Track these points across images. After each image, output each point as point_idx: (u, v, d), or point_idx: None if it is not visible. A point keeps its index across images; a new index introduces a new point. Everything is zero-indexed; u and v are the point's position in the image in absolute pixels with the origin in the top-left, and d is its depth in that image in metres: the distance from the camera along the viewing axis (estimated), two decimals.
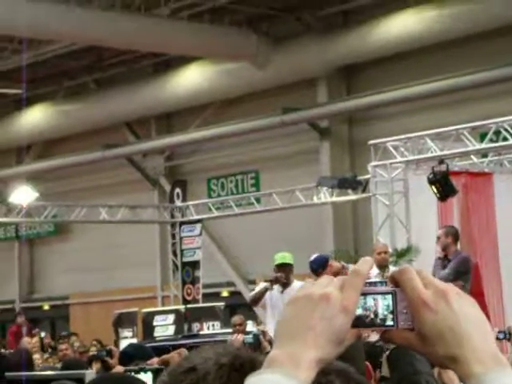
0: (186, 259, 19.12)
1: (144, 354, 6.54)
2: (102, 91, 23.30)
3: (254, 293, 10.65)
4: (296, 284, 9.91)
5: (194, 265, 18.86)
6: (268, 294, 9.89)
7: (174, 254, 19.81)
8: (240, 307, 20.81)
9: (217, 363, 1.43)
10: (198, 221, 18.95)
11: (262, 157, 21.76)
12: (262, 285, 10.33)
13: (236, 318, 13.33)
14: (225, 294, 22.82)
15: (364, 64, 19.45)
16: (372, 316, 1.32)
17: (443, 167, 12.25)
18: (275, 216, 19.50)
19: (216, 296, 21.40)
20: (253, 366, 1.41)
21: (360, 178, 15.62)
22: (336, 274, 9.18)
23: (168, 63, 22.53)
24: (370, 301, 1.32)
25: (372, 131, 19.12)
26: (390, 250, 11.91)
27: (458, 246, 12.86)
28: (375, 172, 13.12)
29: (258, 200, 19.48)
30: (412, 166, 13.07)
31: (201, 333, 15.37)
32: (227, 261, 22.56)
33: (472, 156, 13.27)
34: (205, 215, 19.65)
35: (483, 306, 11.48)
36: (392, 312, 1.33)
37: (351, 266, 9.56)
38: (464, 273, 10.35)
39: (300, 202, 17.45)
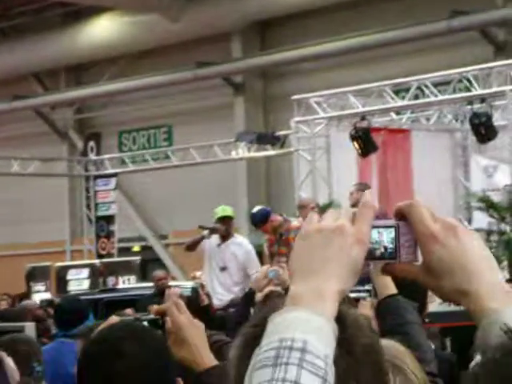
0: (100, 213, 18.90)
1: (80, 307, 6.46)
2: (9, 41, 22.64)
3: (190, 239, 10.61)
4: (236, 238, 9.90)
5: (109, 219, 18.66)
6: (207, 245, 9.83)
7: (88, 207, 19.55)
8: (152, 262, 20.76)
9: None
10: (113, 175, 18.72)
11: (174, 111, 21.58)
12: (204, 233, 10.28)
13: (159, 272, 13.28)
14: (136, 248, 22.70)
15: (279, 19, 19.42)
16: (382, 249, 1.33)
17: (365, 123, 12.39)
18: (188, 171, 19.43)
19: (127, 251, 21.26)
20: None
21: (278, 133, 15.67)
22: (276, 228, 9.21)
23: (78, 13, 22.03)
24: (374, 234, 1.32)
25: (286, 87, 19.16)
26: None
27: (375, 202, 13.08)
28: (297, 128, 13.16)
29: (170, 154, 19.34)
30: (334, 122, 13.17)
31: (118, 287, 15.26)
32: (139, 215, 22.41)
33: (391, 113, 13.45)
34: (120, 169, 19.41)
35: None
36: (395, 245, 1.33)
37: (294, 220, 9.62)
38: None
39: (217, 157, 17.40)
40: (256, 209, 9.93)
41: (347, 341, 1.29)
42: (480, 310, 1.30)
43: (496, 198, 11.82)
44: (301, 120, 13.12)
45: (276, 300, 5.33)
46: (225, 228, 9.69)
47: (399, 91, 13.48)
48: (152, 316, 2.52)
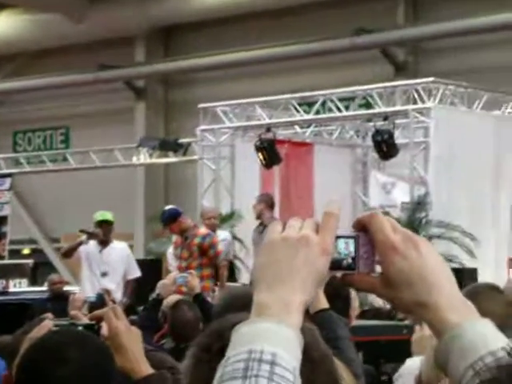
0: None
1: None
2: None
3: (67, 245, 10.44)
4: (115, 243, 9.77)
5: (1, 220, 18.18)
6: (84, 250, 9.67)
7: None
8: (43, 265, 20.34)
9: None
10: (8, 175, 18.27)
11: (73, 113, 21.25)
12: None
13: (54, 276, 13.01)
14: (26, 251, 22.21)
15: (184, 26, 19.38)
16: (350, 260, 1.33)
17: (270, 135, 12.44)
18: (85, 174, 19.14)
19: (17, 253, 20.77)
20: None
21: (182, 140, 15.59)
22: (184, 229, 9.12)
23: None
24: (341, 244, 1.33)
25: (190, 94, 19.13)
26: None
27: (276, 214, 13.17)
28: (202, 136, 13.12)
29: (68, 157, 19.01)
30: (239, 132, 13.18)
31: (9, 290, 14.87)
32: (31, 218, 21.96)
33: (295, 126, 13.56)
34: (15, 169, 18.97)
35: None
36: (354, 256, 1.34)
37: (202, 227, 9.54)
38: None
39: (118, 162, 17.19)
40: (168, 207, 9.80)
41: (304, 349, 1.27)
42: (440, 322, 1.29)
43: (394, 214, 12.05)
44: (206, 128, 13.09)
45: (184, 307, 5.26)
46: (103, 233, 9.54)
47: (304, 104, 13.60)
48: (87, 321, 2.44)
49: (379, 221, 1.32)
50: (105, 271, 9.46)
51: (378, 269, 1.35)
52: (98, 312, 2.49)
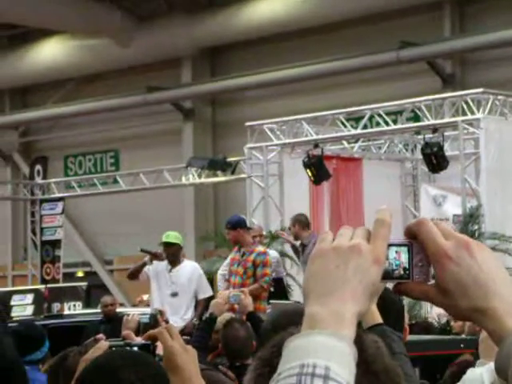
0: (45, 238, 18.62)
1: (37, 333, 6.31)
2: None
3: (132, 267, 10.42)
4: (185, 263, 9.74)
5: (55, 244, 18.39)
6: (153, 270, 9.64)
7: (33, 232, 19.25)
8: (96, 287, 20.50)
9: None
10: (60, 199, 18.47)
11: (122, 136, 21.45)
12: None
13: (107, 298, 13.07)
14: (80, 273, 22.42)
15: (229, 46, 19.48)
16: (400, 269, 1.30)
17: (318, 151, 12.41)
18: (136, 196, 19.28)
19: (71, 276, 20.98)
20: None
21: (230, 159, 15.63)
22: (238, 242, 9.11)
23: (26, 36, 21.81)
24: (391, 253, 1.29)
25: (237, 113, 19.20)
26: (264, 232, 11.99)
27: (326, 229, 13.10)
28: (250, 154, 13.13)
29: (119, 179, 19.17)
30: (287, 149, 13.17)
31: (63, 313, 15.00)
32: (83, 241, 22.15)
33: (343, 141, 13.51)
34: (67, 193, 19.18)
35: None
36: (409, 265, 1.31)
37: (260, 246, 9.51)
38: None
39: (167, 183, 17.28)
40: (239, 215, 9.84)
41: (367, 361, 1.25)
42: (499, 328, 1.25)
43: None
44: (254, 146, 13.10)
45: (236, 325, 5.25)
46: (167, 254, 9.49)
47: (351, 119, 13.56)
48: (142, 341, 2.43)
49: (429, 228, 1.29)
50: (174, 291, 9.42)
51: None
52: (152, 332, 2.48)
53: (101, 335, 2.59)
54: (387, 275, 1.29)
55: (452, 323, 9.30)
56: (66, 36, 20.52)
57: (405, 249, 1.30)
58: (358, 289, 1.22)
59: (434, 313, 11.88)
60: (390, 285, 1.35)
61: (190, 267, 9.63)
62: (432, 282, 1.31)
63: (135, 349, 2.36)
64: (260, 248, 9.26)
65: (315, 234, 10.79)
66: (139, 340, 2.59)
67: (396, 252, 1.30)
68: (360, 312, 1.22)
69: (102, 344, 2.38)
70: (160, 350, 2.42)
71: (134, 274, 9.94)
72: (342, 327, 1.19)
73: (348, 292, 1.22)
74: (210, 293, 9.61)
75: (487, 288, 1.27)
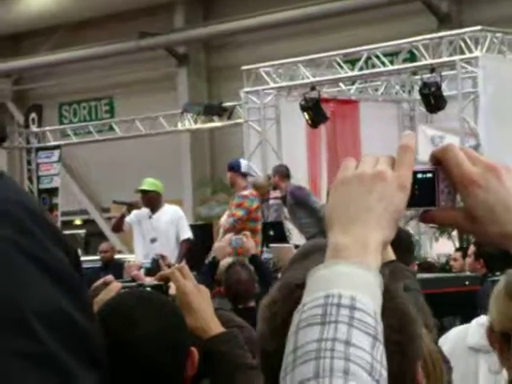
0: (42, 186, 18.57)
1: None
2: None
3: (114, 220, 10.43)
4: (166, 208, 9.71)
5: (52, 192, 18.34)
6: (135, 217, 9.62)
7: (30, 180, 19.20)
8: (94, 235, 20.51)
9: None
10: (57, 147, 18.38)
11: (116, 83, 21.29)
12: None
13: (103, 245, 13.09)
14: (78, 222, 22.42)
15: None
16: (423, 196, 1.26)
17: (315, 94, 12.33)
18: (131, 143, 19.20)
19: (69, 224, 20.98)
20: None
21: (226, 104, 15.53)
22: (232, 185, 9.10)
23: None
24: (414, 179, 1.25)
25: (231, 58, 19.04)
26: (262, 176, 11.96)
27: (324, 171, 13.11)
28: (247, 98, 13.04)
29: (114, 126, 19.08)
30: (283, 92, 13.08)
31: None
32: (80, 188, 22.12)
33: (340, 83, 13.41)
34: (63, 141, 19.09)
35: None
36: (434, 191, 1.27)
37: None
38: (302, 202, 10.46)
39: (163, 129, 17.20)
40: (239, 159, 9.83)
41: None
42: None
43: None
44: (250, 90, 13.00)
45: (238, 268, 5.21)
46: (144, 202, 9.45)
47: (348, 61, 13.45)
48: (155, 282, 2.41)
49: (454, 154, 1.25)
50: (153, 237, 9.44)
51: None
52: (164, 272, 2.47)
53: (110, 277, 2.57)
54: (413, 202, 1.25)
55: (451, 262, 9.32)
56: None
57: (430, 175, 1.27)
58: (383, 216, 1.18)
59: (434, 253, 11.93)
60: None
61: (169, 211, 9.60)
62: (458, 208, 1.27)
63: (148, 289, 2.34)
64: (244, 191, 9.20)
65: (290, 185, 10.71)
66: (150, 281, 2.57)
67: (421, 178, 1.27)
68: (385, 240, 1.18)
69: (114, 285, 2.36)
70: (173, 291, 2.40)
71: (117, 227, 9.96)
72: (366, 256, 1.16)
73: (373, 220, 1.18)
74: (188, 234, 9.60)
75: None
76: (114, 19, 20.44)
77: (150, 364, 2.03)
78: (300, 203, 10.47)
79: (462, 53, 11.67)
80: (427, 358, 2.07)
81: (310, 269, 1.26)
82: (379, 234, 1.18)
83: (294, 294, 1.35)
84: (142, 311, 2.07)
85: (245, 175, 9.34)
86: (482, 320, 3.78)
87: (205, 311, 2.37)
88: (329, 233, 1.19)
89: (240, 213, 9.12)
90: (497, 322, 2.45)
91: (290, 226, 11.43)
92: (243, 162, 9.66)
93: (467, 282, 5.66)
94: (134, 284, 2.49)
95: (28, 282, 1.17)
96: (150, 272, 6.99)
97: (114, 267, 11.16)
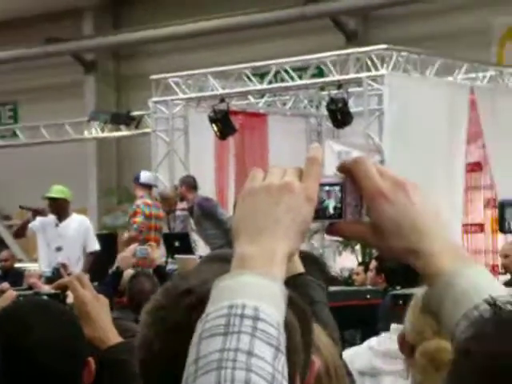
0: None
1: None
2: None
3: (16, 225, 10.30)
4: (73, 217, 9.61)
5: None
6: (40, 224, 9.48)
7: None
8: None
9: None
10: None
11: (22, 88, 20.92)
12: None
13: (3, 253, 12.84)
14: None
15: None
16: (330, 209, 1.28)
17: (223, 106, 12.35)
18: (36, 150, 18.89)
19: None
20: None
21: (134, 113, 15.43)
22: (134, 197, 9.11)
23: None
24: (322, 192, 1.27)
25: (140, 67, 18.93)
26: (169, 186, 11.93)
27: (232, 184, 13.14)
28: (156, 108, 12.97)
29: (18, 132, 18.73)
30: (192, 103, 13.06)
31: None
32: None
33: (249, 96, 13.48)
34: None
35: None
36: (341, 204, 1.28)
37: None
38: (209, 213, 10.52)
39: (69, 137, 16.98)
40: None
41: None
42: (433, 269, 1.23)
43: None
44: (159, 100, 12.94)
45: (142, 278, 5.16)
46: (51, 209, 9.35)
47: (257, 75, 13.53)
48: (52, 291, 2.36)
49: (364, 167, 1.26)
50: (59, 246, 9.31)
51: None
52: (62, 280, 2.42)
53: (6, 284, 2.50)
54: (319, 215, 1.25)
55: (354, 276, 9.44)
56: None
57: (337, 188, 1.27)
58: (290, 227, 1.19)
59: (337, 267, 12.06)
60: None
61: (77, 221, 9.51)
62: (365, 221, 1.28)
63: (44, 297, 2.29)
64: (137, 201, 9.32)
65: (197, 197, 10.75)
66: (47, 289, 2.52)
67: (328, 191, 1.26)
68: (291, 251, 1.19)
69: (10, 293, 2.30)
70: (71, 300, 2.36)
71: (19, 233, 9.84)
72: (272, 267, 1.16)
73: (280, 231, 1.18)
74: (96, 247, 9.53)
75: (421, 229, 1.25)
76: (20, 23, 20.10)
77: (45, 371, 1.99)
78: (207, 214, 10.48)
79: (369, 70, 11.86)
80: (332, 372, 2.08)
81: (203, 277, 1.25)
82: (286, 245, 1.18)
83: (183, 299, 1.34)
84: (37, 317, 2.04)
85: (144, 186, 9.36)
86: (372, 343, 3.84)
87: (103, 321, 2.33)
88: (235, 243, 1.19)
89: (139, 219, 9.17)
90: (408, 333, 2.50)
91: (196, 237, 11.41)
92: (143, 173, 9.69)
93: (368, 296, 5.73)
94: (30, 292, 2.43)
95: None
96: (50, 281, 6.87)
97: (14, 276, 10.96)
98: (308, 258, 3.24)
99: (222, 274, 1.25)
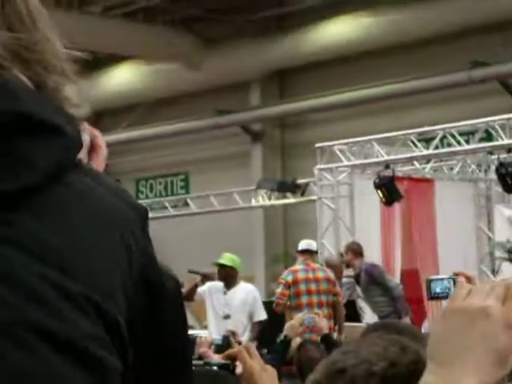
0: None
1: None
2: None
3: (186, 288, 10.49)
4: (241, 285, 9.71)
5: None
6: (208, 290, 9.63)
7: None
8: None
9: (368, 370, 1.33)
10: None
11: (192, 159, 21.60)
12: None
13: None
14: None
15: (298, 68, 19.49)
16: None
17: (389, 172, 12.30)
18: (206, 219, 19.36)
19: None
20: (409, 376, 1.30)
21: (299, 181, 15.60)
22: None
23: (98, 62, 22.15)
24: None
25: (305, 135, 19.18)
26: (334, 253, 11.93)
27: (398, 251, 12.99)
28: (321, 175, 13.08)
29: (189, 201, 19.29)
30: (357, 170, 13.09)
31: None
32: None
33: (415, 162, 13.38)
34: None
35: (423, 312, 11.56)
36: None
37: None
38: (377, 280, 10.41)
39: (237, 205, 17.33)
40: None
41: None
42: None
43: None
44: (324, 168, 13.05)
45: (310, 347, 5.16)
46: (219, 276, 9.45)
47: (423, 140, 13.43)
48: (222, 361, 2.40)
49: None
50: (226, 314, 9.41)
51: None
52: (232, 351, 2.45)
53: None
54: None
55: None
56: (137, 61, 20.80)
57: None
58: (481, 357, 1.09)
59: None
60: None
61: (245, 289, 9.60)
62: None
63: (215, 368, 2.34)
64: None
65: (365, 263, 10.70)
66: (218, 359, 2.57)
67: None
68: (483, 382, 1.08)
69: None
70: (239, 370, 2.39)
71: (188, 297, 9.99)
72: None
73: (469, 361, 1.09)
74: (263, 316, 9.57)
75: None
76: (192, 97, 20.84)
77: None
78: (374, 281, 10.38)
79: None
80: None
81: (363, 355, 1.24)
82: (475, 377, 1.09)
83: (337, 379, 1.34)
84: None
85: (302, 252, 9.49)
86: None
87: None
88: (426, 367, 1.14)
89: (278, 289, 9.29)
90: None
91: (362, 304, 11.32)
92: (302, 242, 9.84)
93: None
94: (200, 362, 2.49)
95: None
96: (220, 349, 6.97)
97: None
98: None
99: (380, 357, 1.25)
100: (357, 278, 10.66)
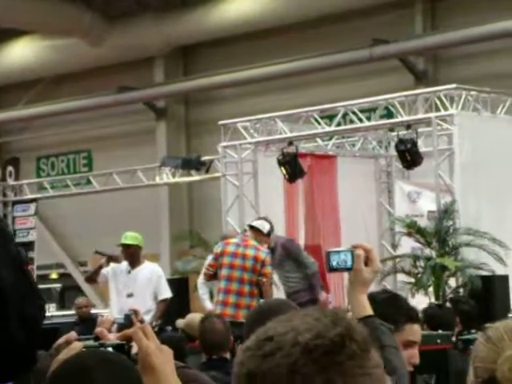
0: (18, 240, 18.43)
1: None
2: None
3: (89, 271, 10.39)
4: (146, 264, 9.67)
5: (28, 246, 18.23)
6: (112, 270, 9.56)
7: None
8: (71, 289, 20.36)
9: (294, 339, 1.34)
10: (33, 200, 18.32)
11: (95, 136, 21.32)
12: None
13: (81, 300, 13.00)
14: (54, 276, 22.26)
15: (202, 45, 19.41)
16: None
17: (292, 149, 12.39)
18: (109, 197, 19.17)
19: (45, 278, 20.82)
20: (333, 349, 1.32)
21: (204, 158, 15.57)
22: None
23: None
24: None
25: (210, 112, 19.15)
26: (239, 231, 11.95)
27: (301, 227, 13.12)
28: (225, 152, 13.09)
29: (92, 179, 19.06)
30: (261, 147, 13.14)
31: None
32: (57, 242, 22.00)
33: (317, 139, 13.50)
34: (39, 194, 19.03)
35: (326, 286, 11.73)
36: None
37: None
38: (293, 255, 10.45)
39: (141, 183, 17.20)
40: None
41: None
42: None
43: (421, 223, 11.94)
44: (228, 145, 13.06)
45: (214, 319, 5.12)
46: (125, 255, 9.40)
47: (325, 117, 13.56)
48: (117, 341, 2.37)
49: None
50: (130, 293, 9.36)
51: None
52: (127, 331, 2.42)
53: (73, 334, 2.50)
54: None
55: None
56: (36, 36, 20.37)
57: None
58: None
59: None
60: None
61: (149, 268, 9.55)
62: None
63: (109, 349, 2.30)
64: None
65: (278, 237, 10.69)
66: (113, 339, 2.53)
67: None
68: None
69: (76, 345, 2.31)
70: (135, 350, 2.36)
71: (92, 278, 9.89)
72: None
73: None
74: (168, 294, 9.54)
75: None
76: (93, 73, 20.54)
77: None
78: (290, 256, 10.36)
79: (438, 110, 11.79)
80: None
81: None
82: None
83: (265, 346, 1.36)
84: (99, 372, 2.03)
85: (250, 228, 9.59)
86: None
87: (166, 372, 2.33)
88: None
89: (208, 260, 9.41)
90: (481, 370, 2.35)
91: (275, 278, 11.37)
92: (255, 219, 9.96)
93: (439, 341, 5.63)
94: (95, 344, 2.45)
95: None
96: (122, 328, 6.91)
97: (91, 322, 11.07)
98: (390, 298, 3.20)
99: (308, 327, 1.26)
100: (272, 251, 10.66)
